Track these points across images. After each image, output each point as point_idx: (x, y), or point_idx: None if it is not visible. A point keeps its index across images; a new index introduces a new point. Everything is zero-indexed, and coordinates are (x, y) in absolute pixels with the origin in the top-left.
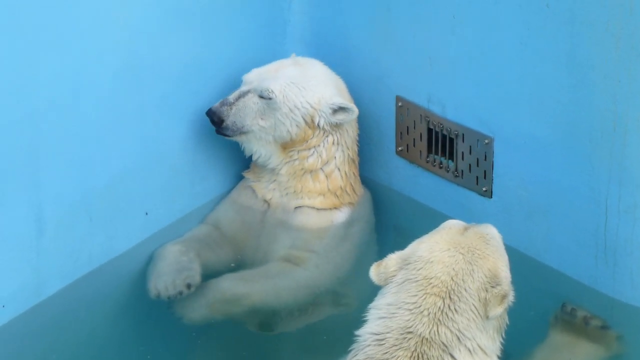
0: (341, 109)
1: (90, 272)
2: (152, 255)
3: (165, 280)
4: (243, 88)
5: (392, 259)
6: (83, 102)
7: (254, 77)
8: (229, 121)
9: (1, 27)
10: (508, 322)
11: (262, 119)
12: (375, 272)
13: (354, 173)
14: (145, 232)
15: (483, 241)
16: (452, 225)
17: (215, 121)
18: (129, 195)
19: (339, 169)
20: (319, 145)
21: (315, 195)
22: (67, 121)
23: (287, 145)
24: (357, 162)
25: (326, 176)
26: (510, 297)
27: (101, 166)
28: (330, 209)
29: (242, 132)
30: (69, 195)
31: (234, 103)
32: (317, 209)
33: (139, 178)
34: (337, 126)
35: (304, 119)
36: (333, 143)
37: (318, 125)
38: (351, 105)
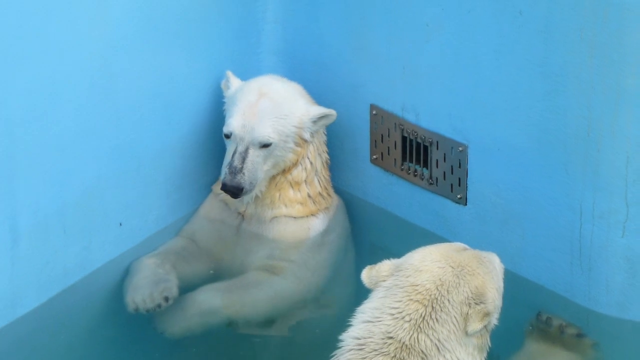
0: (321, 116)
1: (66, 286)
2: (128, 268)
3: (142, 293)
4: (239, 147)
5: (386, 265)
6: (58, 113)
7: (241, 130)
8: (247, 187)
9: None
10: (490, 345)
11: (265, 164)
12: (366, 275)
13: (327, 176)
14: (121, 245)
15: (477, 261)
16: (454, 244)
17: (236, 193)
18: (104, 207)
19: (316, 176)
20: (304, 158)
21: (294, 204)
22: (42, 132)
23: (289, 167)
24: (328, 166)
25: (307, 184)
26: (494, 319)
27: (76, 177)
28: (307, 216)
29: (256, 185)
30: (44, 206)
31: (243, 167)
32: (295, 218)
33: (114, 189)
34: (316, 133)
35: (294, 142)
36: (314, 150)
37: (306, 140)
38: (327, 109)
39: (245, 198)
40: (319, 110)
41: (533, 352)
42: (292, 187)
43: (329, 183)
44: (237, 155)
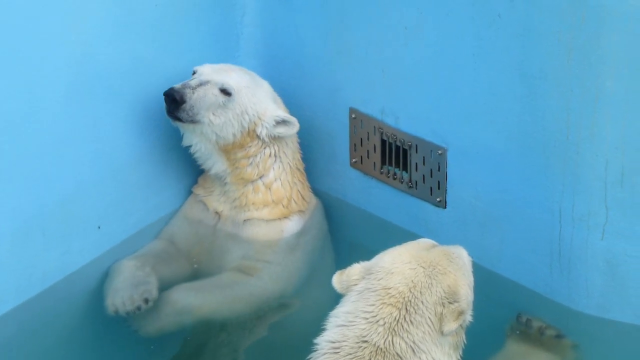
0: (284, 122)
1: (45, 289)
2: (108, 271)
3: (122, 295)
4: (201, 77)
5: (356, 268)
6: (36, 120)
7: (211, 70)
8: (188, 104)
9: None
10: (466, 342)
11: (214, 114)
12: (337, 280)
13: (300, 181)
14: (100, 248)
15: (447, 258)
16: (421, 242)
17: (177, 100)
18: (83, 211)
19: (279, 180)
20: (256, 156)
21: (260, 206)
22: (20, 138)
23: (226, 149)
24: (302, 170)
25: (266, 187)
26: (468, 316)
27: (55, 182)
28: (280, 219)
29: (194, 120)
30: (23, 211)
31: (195, 88)
32: (266, 220)
33: (92, 193)
34: (275, 139)
35: (248, 126)
36: (270, 155)
37: (259, 135)
38: (293, 119)
39: (186, 135)
40: (284, 114)
41: (513, 353)
42: (253, 188)
43: (305, 188)
44: (196, 80)
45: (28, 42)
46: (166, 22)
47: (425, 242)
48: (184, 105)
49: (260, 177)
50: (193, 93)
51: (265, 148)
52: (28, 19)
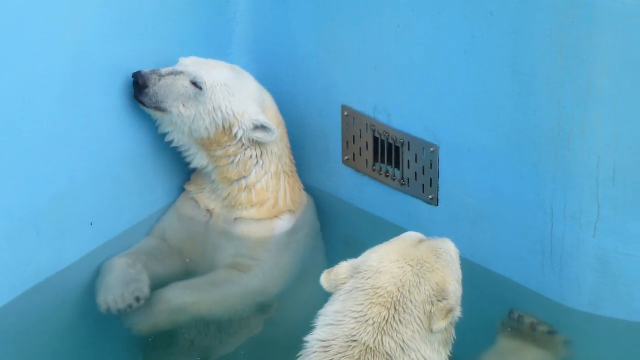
0: (262, 127)
1: (37, 285)
2: (100, 268)
3: (114, 293)
4: (177, 67)
5: (343, 267)
6: (30, 119)
7: (191, 62)
8: (151, 90)
9: None
10: (455, 337)
11: (184, 105)
12: (325, 279)
13: (288, 184)
14: (93, 244)
15: (434, 255)
16: (408, 237)
17: (139, 84)
18: (76, 208)
19: (261, 182)
20: (236, 156)
21: (247, 206)
22: (14, 137)
23: (204, 144)
24: (292, 174)
25: (249, 188)
26: (457, 313)
27: (48, 180)
28: (270, 218)
29: (159, 108)
30: (16, 209)
31: (163, 76)
32: (256, 219)
33: (85, 191)
34: (257, 143)
35: (222, 124)
36: (251, 157)
37: (235, 135)
38: (273, 126)
39: (160, 123)
40: (264, 119)
41: (505, 349)
42: (238, 188)
43: (294, 189)
44: (169, 68)
45: (23, 40)
46: (159, 20)
47: (411, 236)
48: (146, 89)
49: (244, 178)
50: (159, 80)
51: (245, 149)
52: (23, 18)
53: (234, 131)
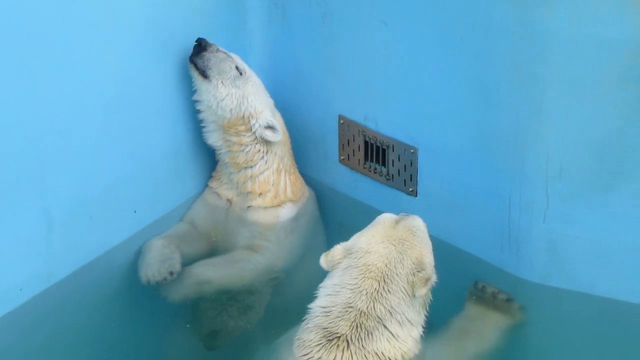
0: (272, 128)
1: (89, 262)
2: (141, 249)
3: (152, 269)
4: (229, 54)
5: (338, 249)
6: (83, 125)
7: (236, 57)
8: (206, 55)
9: (16, 66)
10: (432, 298)
11: (222, 82)
12: (324, 260)
13: (289, 180)
14: (135, 228)
15: (411, 233)
16: (385, 220)
17: (201, 46)
18: (121, 199)
19: (263, 175)
20: (247, 146)
21: (256, 196)
22: (69, 140)
23: (224, 125)
24: (293, 172)
25: (253, 177)
26: (433, 279)
27: (98, 176)
28: (275, 206)
29: (204, 74)
30: (72, 200)
31: (218, 50)
32: (264, 207)
33: (129, 184)
34: (265, 141)
35: (244, 113)
36: (258, 151)
37: (252, 127)
38: (280, 130)
39: (197, 90)
40: (274, 121)
41: (472, 313)
42: (245, 177)
43: (296, 185)
44: (224, 50)
45: (77, 63)
46: (186, 50)
47: (388, 217)
48: (203, 53)
49: (250, 167)
50: (216, 51)
51: (256, 144)
52: (80, 47)
53: (252, 123)
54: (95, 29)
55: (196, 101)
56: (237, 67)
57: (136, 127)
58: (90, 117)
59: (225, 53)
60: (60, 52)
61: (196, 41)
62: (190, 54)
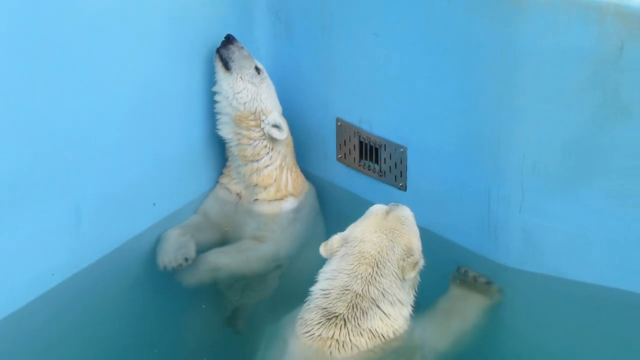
0: (278, 127)
1: (114, 250)
2: (159, 237)
3: (169, 256)
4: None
5: (336, 239)
6: (106, 129)
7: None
8: (232, 48)
9: (44, 77)
10: (420, 281)
11: (241, 77)
12: (323, 249)
13: (290, 176)
14: (155, 219)
15: (400, 223)
16: (377, 211)
17: (229, 39)
18: (143, 193)
19: (267, 169)
20: (255, 140)
21: (261, 189)
22: (95, 143)
23: (236, 118)
24: (294, 169)
25: (257, 170)
26: (421, 263)
27: (121, 173)
28: (277, 199)
29: (227, 65)
30: (98, 195)
31: (243, 48)
32: (268, 200)
33: (150, 180)
34: (271, 138)
35: (256, 109)
36: (265, 147)
37: (261, 123)
38: (285, 130)
39: (218, 81)
40: (281, 121)
41: (455, 295)
42: (250, 170)
43: (297, 181)
44: (247, 50)
45: (103, 74)
46: (200, 59)
47: (379, 209)
48: (230, 45)
49: (256, 161)
50: (241, 48)
51: (263, 139)
52: (105, 57)
53: (262, 119)
54: (119, 38)
55: (215, 92)
56: (256, 67)
57: (155, 129)
58: (114, 121)
59: (248, 53)
60: (85, 62)
61: (225, 37)
62: (218, 47)
